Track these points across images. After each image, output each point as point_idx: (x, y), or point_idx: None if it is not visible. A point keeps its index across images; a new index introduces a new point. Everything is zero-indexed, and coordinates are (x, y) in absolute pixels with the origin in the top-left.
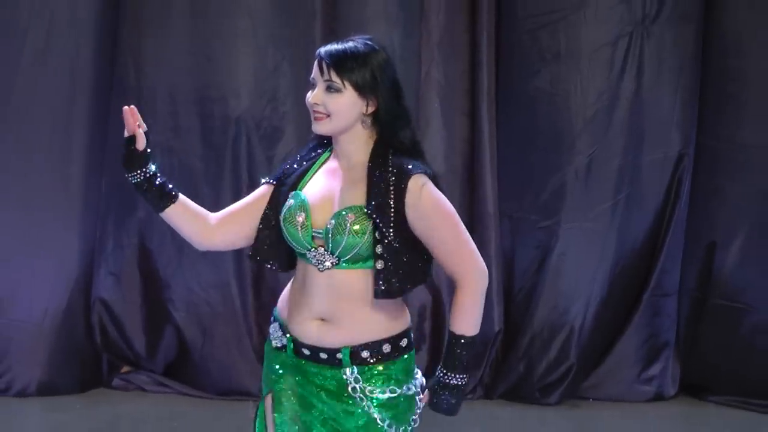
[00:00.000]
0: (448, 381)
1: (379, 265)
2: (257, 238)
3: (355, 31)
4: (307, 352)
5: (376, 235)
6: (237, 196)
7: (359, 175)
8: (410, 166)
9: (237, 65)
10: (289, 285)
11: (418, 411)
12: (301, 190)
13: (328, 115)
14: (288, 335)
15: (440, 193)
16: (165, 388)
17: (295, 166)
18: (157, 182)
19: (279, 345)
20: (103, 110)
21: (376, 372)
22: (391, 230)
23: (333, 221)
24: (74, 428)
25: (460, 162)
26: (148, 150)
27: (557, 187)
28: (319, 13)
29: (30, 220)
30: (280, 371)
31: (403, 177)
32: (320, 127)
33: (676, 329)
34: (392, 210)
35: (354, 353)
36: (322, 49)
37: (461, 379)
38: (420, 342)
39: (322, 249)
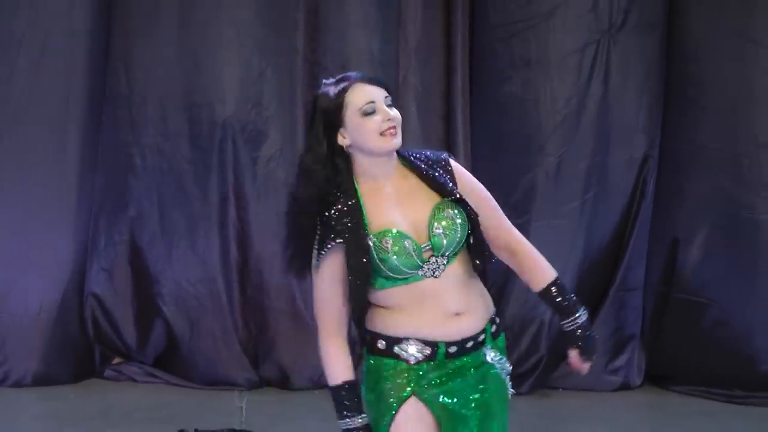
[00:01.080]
0: (575, 326)
1: (471, 241)
2: (355, 298)
3: (335, 38)
4: (453, 349)
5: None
6: (224, 197)
7: (407, 181)
8: (435, 153)
9: (223, 72)
10: (378, 315)
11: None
12: (375, 230)
13: (396, 127)
14: (436, 343)
15: None
16: (154, 379)
17: (335, 221)
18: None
19: (421, 358)
20: (96, 114)
21: (499, 344)
22: (471, 208)
23: (441, 227)
24: (68, 417)
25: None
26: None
27: (528, 187)
28: (302, 22)
29: (26, 219)
30: (423, 380)
31: (441, 162)
32: (395, 140)
33: (641, 322)
34: (460, 197)
35: (491, 331)
36: (362, 75)
37: (582, 314)
38: None
39: (434, 257)
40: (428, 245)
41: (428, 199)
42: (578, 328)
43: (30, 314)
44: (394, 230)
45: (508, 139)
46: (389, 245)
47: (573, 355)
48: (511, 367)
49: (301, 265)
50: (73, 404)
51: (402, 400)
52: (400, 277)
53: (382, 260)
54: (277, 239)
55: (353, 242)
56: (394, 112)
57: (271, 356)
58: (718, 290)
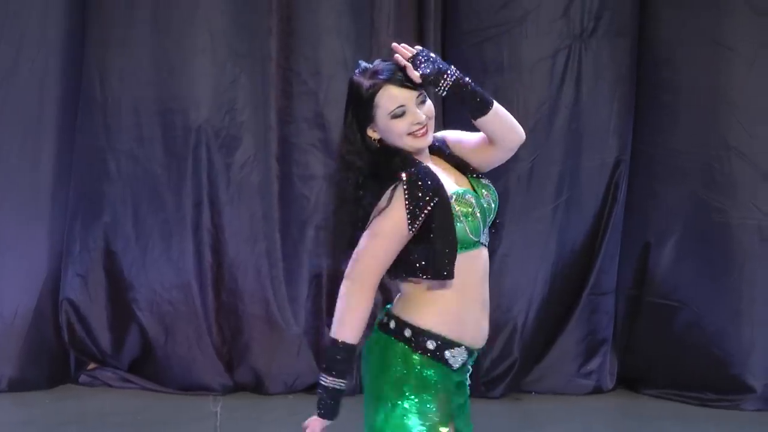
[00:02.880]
0: (326, 385)
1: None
2: (448, 258)
3: (308, 45)
4: (470, 361)
5: None
6: (198, 202)
7: (435, 160)
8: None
9: (197, 78)
10: (427, 307)
11: None
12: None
13: (427, 125)
14: (472, 349)
15: None
16: (129, 384)
17: (429, 182)
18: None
19: (461, 363)
20: (70, 121)
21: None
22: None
23: (487, 194)
24: (43, 423)
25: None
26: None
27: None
28: (275, 29)
29: (0, 226)
30: (456, 395)
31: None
32: (426, 139)
33: (613, 326)
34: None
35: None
36: (391, 75)
37: (329, 382)
38: None
39: (485, 228)
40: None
41: (459, 174)
42: (328, 389)
43: (4, 320)
44: (470, 191)
45: None
46: (473, 203)
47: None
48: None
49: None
50: (48, 410)
51: (444, 424)
52: (469, 241)
53: (463, 219)
54: (251, 245)
55: (441, 202)
56: (425, 109)
57: (246, 361)
58: (690, 293)
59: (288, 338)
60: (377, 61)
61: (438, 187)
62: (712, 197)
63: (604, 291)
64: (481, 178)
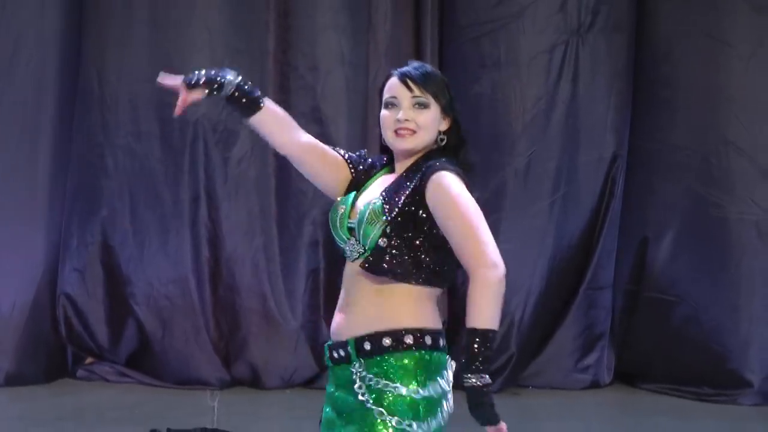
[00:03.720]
0: (473, 384)
1: (382, 242)
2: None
3: (306, 41)
4: (335, 354)
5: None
6: (196, 197)
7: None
8: (439, 164)
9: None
10: None
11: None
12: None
13: (414, 132)
14: (333, 343)
15: (462, 188)
16: (127, 378)
17: (365, 163)
18: (240, 93)
19: (328, 356)
20: (67, 117)
21: (378, 364)
22: (394, 214)
23: (362, 210)
24: (40, 417)
25: None
26: (205, 80)
27: (498, 186)
28: (272, 24)
29: None
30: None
31: (429, 172)
32: (405, 143)
33: (610, 321)
34: (407, 201)
35: (358, 345)
36: (403, 70)
37: (481, 379)
38: None
39: (354, 240)
40: (353, 224)
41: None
42: (476, 387)
43: (2, 314)
44: (344, 197)
45: (478, 139)
46: (335, 205)
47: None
48: (411, 394)
49: None
50: (46, 404)
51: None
52: (337, 242)
53: (331, 210)
54: (249, 239)
55: (348, 187)
56: (420, 117)
57: (243, 356)
58: (687, 288)
59: (285, 333)
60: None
61: (359, 172)
62: (709, 192)
63: (602, 286)
64: (382, 210)
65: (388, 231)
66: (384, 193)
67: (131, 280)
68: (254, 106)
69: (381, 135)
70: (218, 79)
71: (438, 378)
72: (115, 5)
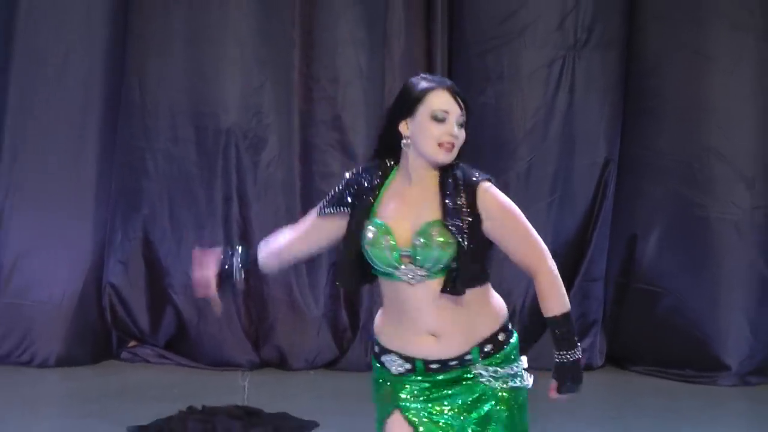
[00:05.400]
0: (562, 360)
1: (454, 264)
2: (340, 266)
3: (327, 55)
4: (435, 365)
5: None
6: (228, 197)
7: (430, 191)
8: (475, 177)
9: (227, 85)
10: (381, 313)
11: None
12: (375, 217)
13: (454, 147)
14: (414, 359)
15: (503, 194)
16: (166, 360)
17: (354, 190)
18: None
19: (402, 371)
20: (112, 121)
21: (502, 356)
22: (466, 238)
23: (420, 239)
24: (87, 395)
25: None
26: (227, 275)
27: (501, 188)
28: (297, 40)
29: (50, 217)
30: (408, 390)
31: (472, 186)
32: (446, 158)
33: (602, 310)
34: (467, 219)
35: (481, 350)
36: (451, 85)
37: (573, 354)
38: None
39: (411, 265)
40: (407, 251)
41: (432, 213)
42: (565, 366)
43: (54, 302)
44: (383, 223)
45: (484, 145)
46: (371, 236)
47: (552, 385)
48: (522, 366)
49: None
50: (92, 383)
51: (388, 413)
52: (383, 269)
53: (370, 244)
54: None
55: (354, 221)
56: (460, 132)
57: (271, 340)
58: (672, 281)
59: (309, 320)
60: (438, 76)
61: (355, 205)
62: (693, 194)
63: (595, 278)
64: (447, 230)
65: (461, 253)
66: (447, 219)
67: (170, 271)
68: (256, 269)
69: (383, 139)
70: (229, 275)
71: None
72: (156, 21)
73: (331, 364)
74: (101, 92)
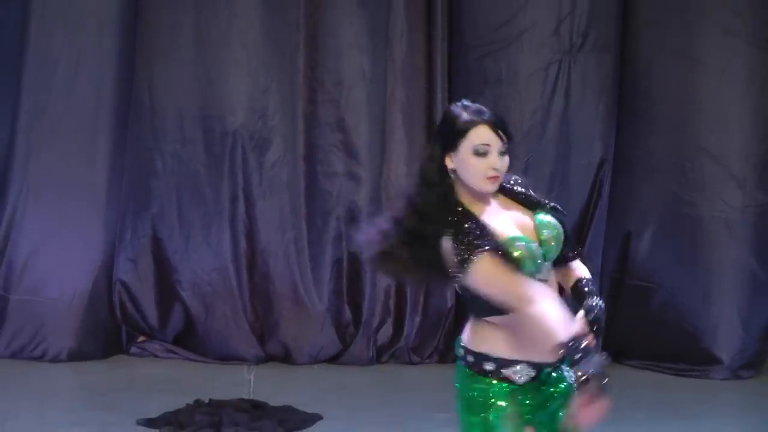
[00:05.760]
0: (592, 305)
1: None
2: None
3: (331, 59)
4: (548, 370)
5: None
6: (234, 197)
7: (503, 200)
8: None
9: (233, 88)
10: (491, 329)
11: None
12: (508, 235)
13: (498, 177)
14: (540, 365)
15: None
16: (174, 355)
17: (474, 236)
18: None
19: (527, 379)
20: (122, 124)
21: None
22: (561, 212)
23: (544, 232)
24: (98, 389)
25: (418, 165)
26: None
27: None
28: (302, 44)
29: (61, 216)
30: (528, 402)
31: (532, 193)
32: (493, 188)
33: None
34: (547, 203)
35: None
36: (491, 118)
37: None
38: (386, 316)
39: (544, 264)
40: (540, 249)
41: (524, 212)
42: (595, 307)
43: (65, 299)
44: (521, 236)
45: None
46: (522, 250)
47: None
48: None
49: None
50: (103, 377)
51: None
52: (533, 274)
53: (522, 264)
54: (281, 234)
55: (496, 249)
56: (504, 162)
57: (276, 335)
58: (666, 277)
59: (313, 315)
60: (477, 105)
61: (483, 241)
62: (685, 193)
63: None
64: (549, 211)
65: (565, 229)
66: (539, 209)
67: (178, 268)
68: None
69: (431, 172)
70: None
71: None
72: (164, 27)
73: (334, 359)
74: (112, 95)
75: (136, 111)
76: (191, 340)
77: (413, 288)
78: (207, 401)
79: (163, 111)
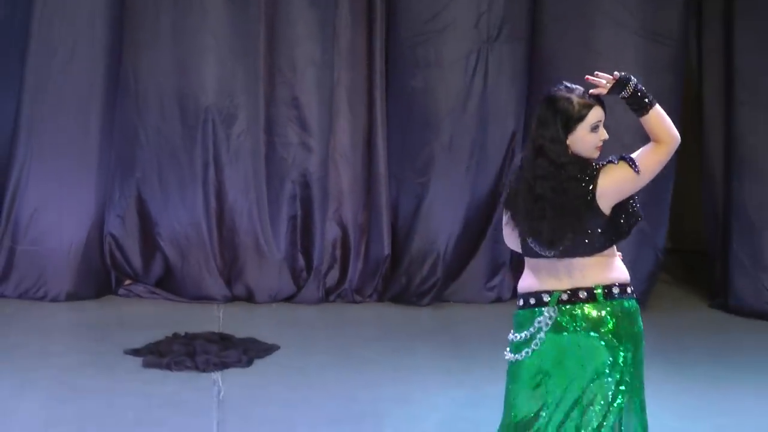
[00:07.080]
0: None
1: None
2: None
3: (287, 47)
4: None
5: None
6: (206, 163)
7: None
8: (611, 158)
9: (205, 71)
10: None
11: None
12: None
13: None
14: None
15: None
16: (155, 296)
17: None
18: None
19: None
20: (111, 104)
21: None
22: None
23: None
24: (91, 324)
25: (361, 139)
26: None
27: (428, 156)
28: (262, 33)
29: (61, 179)
30: None
31: (597, 166)
32: (599, 153)
33: (510, 252)
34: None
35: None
36: (600, 101)
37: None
38: (333, 263)
39: None
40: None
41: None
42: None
43: (63, 249)
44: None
45: (414, 120)
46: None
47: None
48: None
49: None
50: (95, 314)
51: None
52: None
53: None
54: (245, 194)
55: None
56: (605, 133)
57: (240, 279)
58: None
59: (272, 263)
60: (574, 86)
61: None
62: None
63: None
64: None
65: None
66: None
67: (159, 223)
68: (641, 111)
69: (552, 150)
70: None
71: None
72: (147, 20)
73: (289, 299)
74: (102, 78)
75: (123, 91)
76: (170, 284)
77: (357, 238)
78: (183, 334)
79: (145, 92)
